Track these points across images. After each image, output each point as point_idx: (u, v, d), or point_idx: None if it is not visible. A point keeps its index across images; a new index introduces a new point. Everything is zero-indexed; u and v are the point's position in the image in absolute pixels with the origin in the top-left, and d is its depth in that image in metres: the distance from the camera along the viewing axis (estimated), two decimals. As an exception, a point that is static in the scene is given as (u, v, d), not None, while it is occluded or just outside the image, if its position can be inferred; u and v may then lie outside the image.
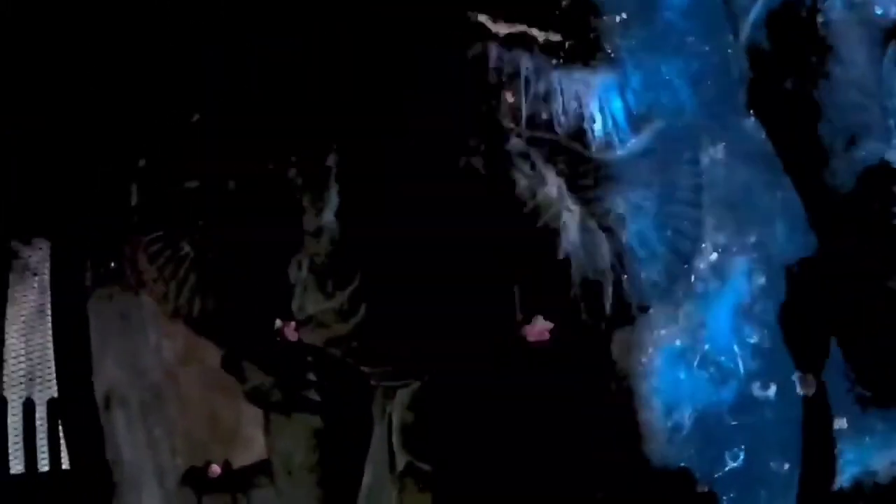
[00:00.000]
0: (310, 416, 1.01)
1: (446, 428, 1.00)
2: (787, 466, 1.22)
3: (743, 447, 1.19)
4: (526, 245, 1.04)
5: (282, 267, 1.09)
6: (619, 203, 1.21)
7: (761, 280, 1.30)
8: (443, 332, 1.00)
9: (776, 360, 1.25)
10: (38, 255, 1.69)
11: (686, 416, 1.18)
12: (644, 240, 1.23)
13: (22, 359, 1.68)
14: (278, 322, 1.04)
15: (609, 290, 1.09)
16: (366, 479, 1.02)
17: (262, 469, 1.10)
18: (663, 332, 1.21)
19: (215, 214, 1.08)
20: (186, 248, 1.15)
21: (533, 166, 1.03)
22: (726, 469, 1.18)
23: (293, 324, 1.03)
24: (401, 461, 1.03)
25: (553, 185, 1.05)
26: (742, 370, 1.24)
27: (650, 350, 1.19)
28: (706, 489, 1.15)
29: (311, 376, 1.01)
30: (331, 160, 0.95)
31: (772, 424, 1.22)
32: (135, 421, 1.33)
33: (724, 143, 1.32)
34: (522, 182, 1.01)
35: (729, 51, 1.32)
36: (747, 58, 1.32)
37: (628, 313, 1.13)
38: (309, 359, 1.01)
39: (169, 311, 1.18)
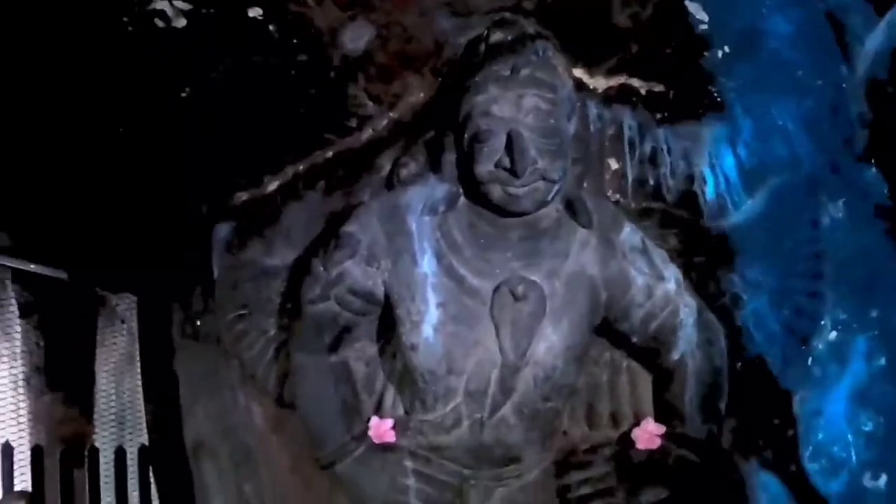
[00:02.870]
0: (409, 518, 0.94)
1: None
2: None
3: None
4: (640, 346, 0.92)
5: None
6: (735, 281, 1.07)
7: (881, 361, 1.13)
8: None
9: (890, 447, 1.11)
10: (126, 303, 1.67)
11: None
12: (760, 321, 1.08)
13: (113, 401, 1.69)
14: (374, 419, 0.96)
15: (726, 389, 0.96)
16: None
17: None
18: (776, 422, 1.08)
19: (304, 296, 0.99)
20: (272, 331, 1.06)
21: (650, 263, 0.88)
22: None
23: (389, 422, 0.96)
24: None
25: (671, 281, 0.89)
26: (854, 460, 1.10)
27: (761, 442, 1.07)
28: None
29: (409, 482, 0.93)
30: (426, 265, 0.84)
31: None
32: (225, 474, 1.28)
33: (843, 199, 1.13)
34: (639, 281, 0.87)
35: (844, 86, 1.11)
36: (866, 96, 1.12)
37: (742, 405, 1.01)
38: (407, 464, 0.92)
39: (256, 386, 1.13)
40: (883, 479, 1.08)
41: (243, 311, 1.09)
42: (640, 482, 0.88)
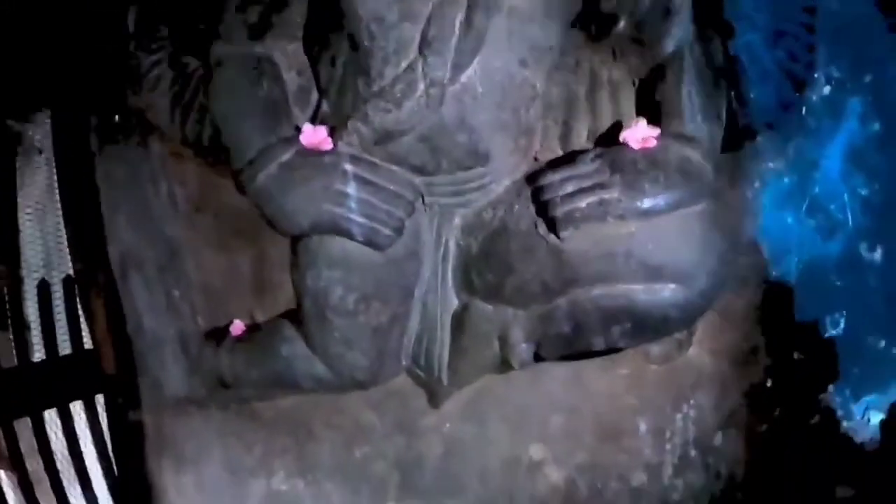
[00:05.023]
0: (347, 242, 0.68)
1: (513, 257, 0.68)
2: (882, 344, 0.95)
3: (844, 314, 0.92)
4: (628, 35, 0.70)
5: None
6: (725, 8, 0.89)
7: (875, 126, 1.00)
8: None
9: (887, 220, 0.97)
10: (42, 131, 1.38)
11: (792, 265, 0.91)
12: (754, 55, 0.91)
13: (38, 244, 1.42)
14: (306, 125, 0.70)
15: (726, 94, 0.76)
16: (413, 324, 0.73)
17: (290, 318, 0.80)
18: (771, 164, 0.91)
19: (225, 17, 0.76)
20: (192, 65, 0.82)
21: None
22: (825, 336, 0.91)
23: (323, 128, 0.70)
24: (457, 301, 0.73)
25: None
26: (851, 223, 0.96)
27: (756, 184, 0.90)
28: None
29: (350, 189, 0.70)
30: None
31: (874, 293, 0.95)
32: (153, 284, 1.05)
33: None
34: None
35: None
36: None
37: (736, 136, 0.83)
38: (347, 167, 0.69)
39: (178, 142, 0.88)
40: (879, 251, 0.94)
41: (161, 43, 0.83)
42: (639, 179, 0.64)
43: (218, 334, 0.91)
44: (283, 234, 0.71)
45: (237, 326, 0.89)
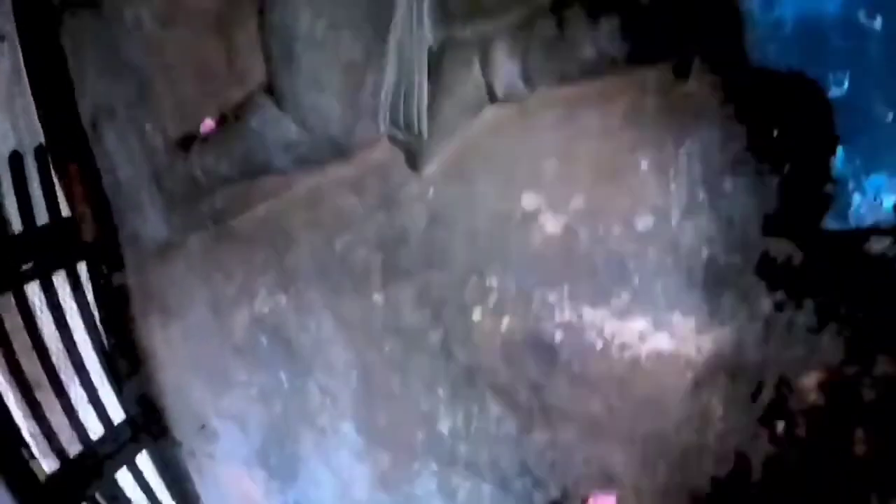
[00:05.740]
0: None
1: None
2: (890, 117, 0.89)
3: (847, 74, 0.85)
4: None
5: None
6: None
7: None
8: None
9: None
10: (2, 18, 1.34)
11: (787, 11, 0.84)
12: None
13: (10, 133, 1.36)
14: None
15: None
16: (389, 77, 0.65)
17: (258, 90, 0.74)
18: None
19: None
20: None
21: None
22: (829, 95, 0.85)
23: None
24: (435, 34, 0.64)
25: None
26: None
27: None
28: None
29: None
30: None
31: (878, 62, 0.88)
32: (124, 129, 1.00)
33: None
34: None
35: None
36: None
37: None
38: None
39: None
40: (878, 21, 0.88)
41: None
42: None
43: (188, 139, 0.87)
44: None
45: (207, 124, 0.84)
